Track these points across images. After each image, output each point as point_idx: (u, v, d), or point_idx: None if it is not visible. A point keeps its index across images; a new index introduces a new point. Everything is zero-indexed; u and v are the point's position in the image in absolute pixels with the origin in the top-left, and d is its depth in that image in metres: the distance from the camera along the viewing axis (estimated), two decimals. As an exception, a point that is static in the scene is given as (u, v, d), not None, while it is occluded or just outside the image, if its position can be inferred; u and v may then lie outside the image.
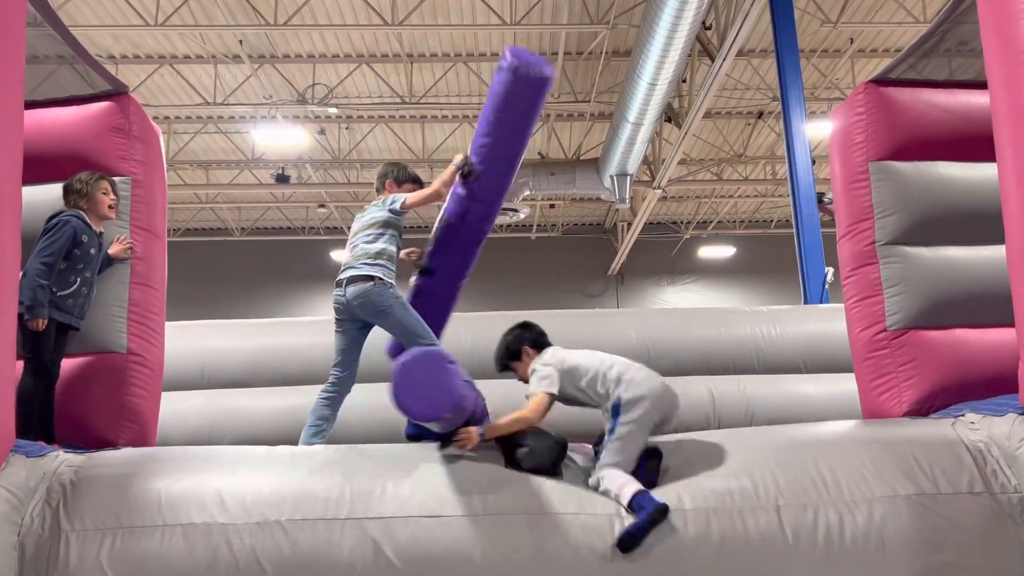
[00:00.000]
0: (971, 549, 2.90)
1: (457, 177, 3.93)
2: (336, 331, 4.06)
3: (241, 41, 12.42)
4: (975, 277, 3.99)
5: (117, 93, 4.17)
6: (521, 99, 3.83)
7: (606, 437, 3.23)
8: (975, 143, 3.87)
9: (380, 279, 3.85)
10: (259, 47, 12.88)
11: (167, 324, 4.33)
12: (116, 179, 4.04)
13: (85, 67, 3.99)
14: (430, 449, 3.38)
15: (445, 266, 4.05)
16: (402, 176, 4.24)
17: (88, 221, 3.83)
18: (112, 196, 3.94)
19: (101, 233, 3.92)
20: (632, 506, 2.93)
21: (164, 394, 4.28)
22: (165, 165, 4.49)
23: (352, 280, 3.88)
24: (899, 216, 4.05)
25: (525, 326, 3.73)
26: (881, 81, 4.18)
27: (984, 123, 3.22)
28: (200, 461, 3.21)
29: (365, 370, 4.14)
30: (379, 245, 3.98)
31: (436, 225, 4.10)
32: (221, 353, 6.29)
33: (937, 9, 10.93)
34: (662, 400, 3.32)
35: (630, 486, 3.00)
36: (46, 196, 3.95)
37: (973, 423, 3.23)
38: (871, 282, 4.06)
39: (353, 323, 3.99)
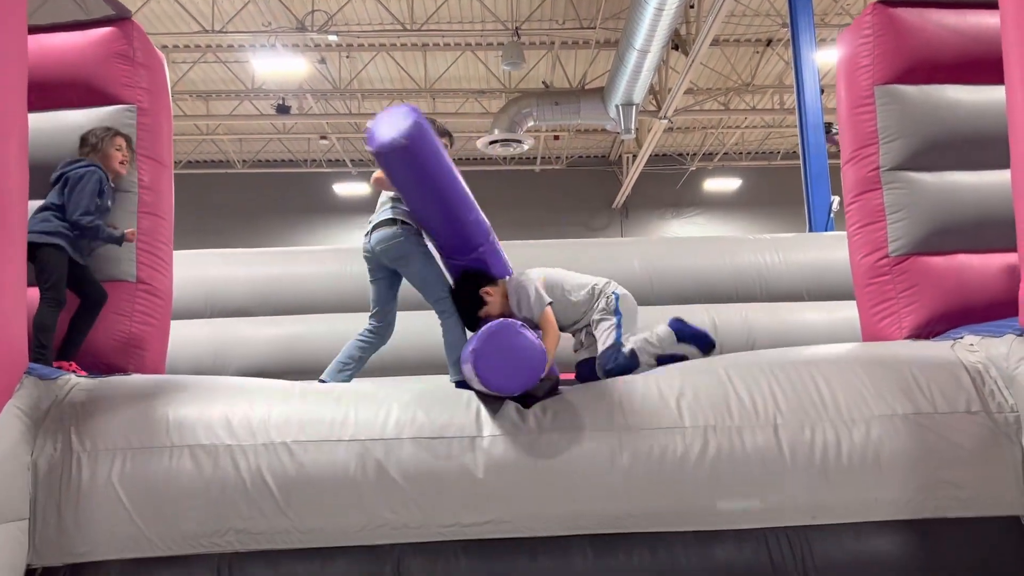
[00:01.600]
0: (967, 467, 2.94)
1: None
2: (370, 281, 4.09)
3: (238, -34, 12.17)
4: (979, 202, 3.96)
5: (120, 18, 4.11)
6: (396, 169, 3.42)
7: (611, 325, 3.65)
8: (985, 66, 3.80)
9: (404, 223, 3.83)
10: (257, -28, 12.62)
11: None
12: (121, 107, 4.03)
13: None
14: (434, 379, 3.45)
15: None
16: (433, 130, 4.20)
17: (107, 173, 3.89)
18: (125, 152, 3.94)
19: (113, 187, 3.96)
20: (677, 329, 3.68)
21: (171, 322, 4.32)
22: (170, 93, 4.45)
23: (377, 226, 3.88)
24: (904, 141, 4.00)
25: (464, 278, 3.71)
26: (890, 2, 4.08)
27: (995, 45, 3.15)
28: (207, 389, 3.25)
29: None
30: None
31: None
32: (226, 282, 6.33)
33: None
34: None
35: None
36: (49, 123, 3.94)
37: (972, 345, 3.26)
38: (874, 208, 4.04)
39: (383, 272, 4.00)
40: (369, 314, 4.12)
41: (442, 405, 3.12)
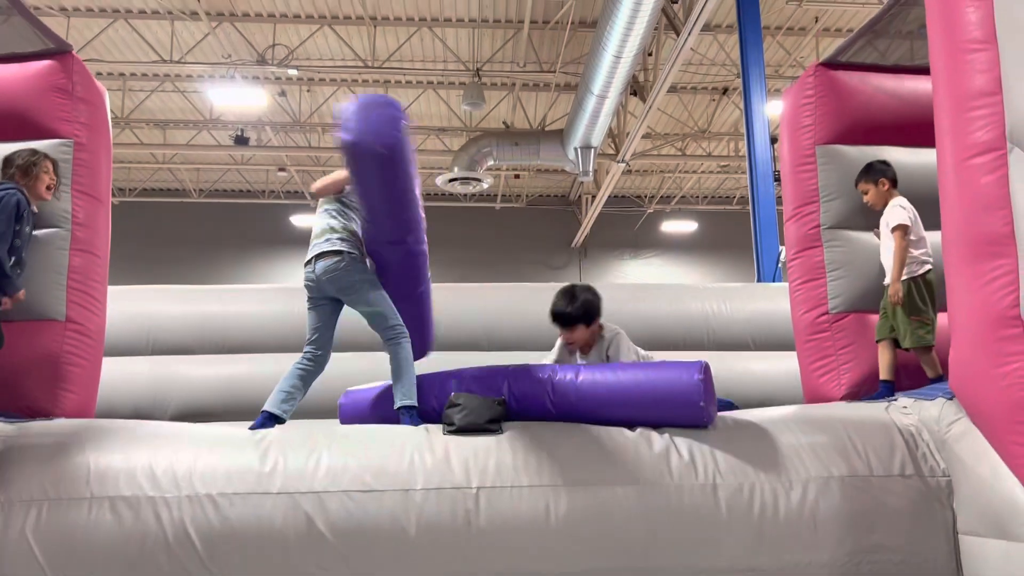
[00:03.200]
0: (900, 530, 2.96)
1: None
2: (309, 309, 3.98)
3: (199, -2, 12.11)
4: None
5: (60, 52, 4.03)
6: (364, 172, 3.51)
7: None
8: (920, 129, 3.88)
9: (349, 253, 3.80)
10: (217, 4, 12.55)
11: (114, 288, 4.24)
12: (57, 141, 3.92)
13: (24, 22, 3.84)
14: (368, 426, 3.40)
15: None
16: None
17: (28, 197, 3.73)
18: (53, 176, 3.83)
19: (35, 213, 3.82)
20: None
21: (109, 359, 4.20)
22: (111, 127, 4.36)
23: (321, 256, 3.82)
24: (843, 200, 4.09)
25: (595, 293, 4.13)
26: (831, 64, 4.20)
27: (929, 109, 3.23)
28: (132, 435, 3.15)
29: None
30: (341, 221, 3.92)
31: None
32: (167, 319, 6.19)
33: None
34: None
35: None
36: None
37: (905, 407, 3.29)
38: (815, 265, 4.11)
39: (325, 300, 3.93)
40: (306, 341, 4.04)
41: (375, 452, 3.06)
